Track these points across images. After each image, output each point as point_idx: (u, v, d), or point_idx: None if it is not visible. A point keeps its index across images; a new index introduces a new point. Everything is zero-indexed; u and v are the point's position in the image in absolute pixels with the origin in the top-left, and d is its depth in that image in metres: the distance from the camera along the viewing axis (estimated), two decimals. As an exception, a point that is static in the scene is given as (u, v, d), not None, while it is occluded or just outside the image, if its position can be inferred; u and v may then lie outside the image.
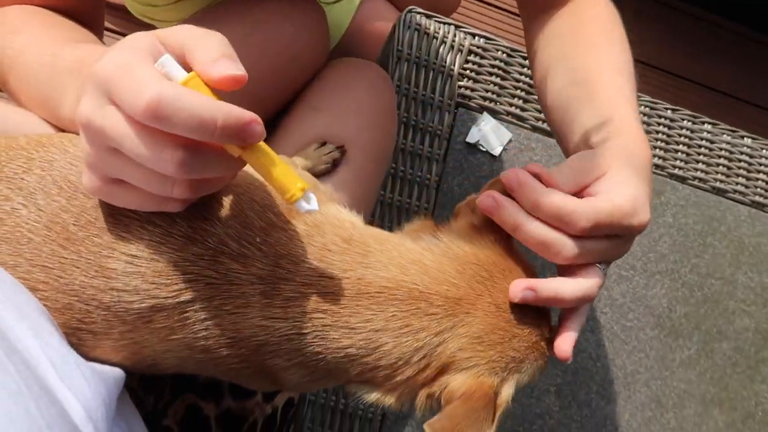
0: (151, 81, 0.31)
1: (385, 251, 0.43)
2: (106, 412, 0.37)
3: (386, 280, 0.41)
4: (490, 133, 1.18)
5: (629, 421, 1.14)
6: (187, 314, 0.39)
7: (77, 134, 0.39)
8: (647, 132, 1.10)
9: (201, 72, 0.33)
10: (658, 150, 1.22)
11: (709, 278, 1.19)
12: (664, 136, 1.22)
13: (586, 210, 0.45)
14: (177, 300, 0.39)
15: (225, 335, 0.40)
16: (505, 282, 0.44)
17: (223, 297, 0.39)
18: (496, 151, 1.18)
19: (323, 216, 0.44)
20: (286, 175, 0.35)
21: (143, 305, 0.39)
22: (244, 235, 0.41)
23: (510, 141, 1.20)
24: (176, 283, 0.39)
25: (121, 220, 0.40)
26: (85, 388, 0.36)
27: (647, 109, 1.20)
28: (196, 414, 0.53)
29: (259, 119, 0.33)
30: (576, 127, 0.58)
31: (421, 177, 1.14)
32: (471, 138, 1.16)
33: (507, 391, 0.43)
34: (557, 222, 0.45)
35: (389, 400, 0.42)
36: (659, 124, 1.22)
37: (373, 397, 0.42)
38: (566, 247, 0.45)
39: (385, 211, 1.12)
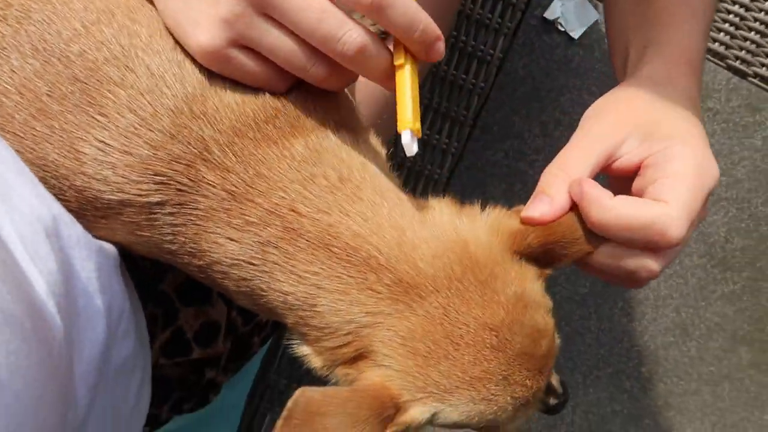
0: None
1: (376, 206, 0.37)
2: (75, 288, 0.35)
3: (353, 238, 0.36)
4: (573, 11, 1.02)
5: (647, 342, 1.11)
6: (156, 216, 0.36)
7: None
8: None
9: None
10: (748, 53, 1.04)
11: (782, 215, 1.08)
12: (783, 45, 1.03)
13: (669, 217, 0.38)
14: (145, 200, 0.36)
15: (188, 245, 0.37)
16: (479, 290, 0.36)
17: (191, 206, 0.36)
18: (576, 33, 1.04)
19: (333, 145, 0.38)
20: (414, 105, 0.37)
21: (112, 197, 0.36)
22: (233, 144, 0.36)
23: (595, 23, 1.04)
24: (146, 183, 0.35)
25: (96, 99, 0.35)
26: (50, 261, 0.34)
27: None
28: (195, 282, 0.53)
29: (443, 37, 0.36)
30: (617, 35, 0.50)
31: (484, 51, 1.01)
32: (550, 14, 1.01)
33: (415, 414, 0.36)
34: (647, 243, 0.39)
35: (316, 363, 0.38)
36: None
37: (303, 352, 0.38)
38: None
39: (437, 85, 1.02)
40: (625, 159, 0.41)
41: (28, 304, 0.31)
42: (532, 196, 0.41)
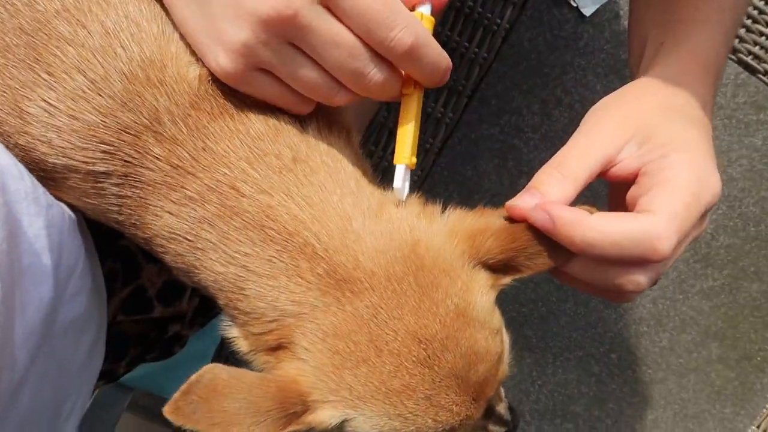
0: (411, 20, 0.33)
1: (326, 192, 0.35)
2: (20, 245, 0.34)
3: (292, 222, 0.34)
4: (587, -13, 0.98)
5: (621, 330, 1.12)
6: (101, 185, 0.35)
7: None
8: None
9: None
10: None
11: (772, 217, 1.06)
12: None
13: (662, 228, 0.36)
14: (91, 168, 0.34)
15: (133, 216, 0.35)
16: (417, 296, 0.34)
17: (136, 178, 0.34)
18: (588, 10, 1.00)
19: (297, 124, 0.36)
20: (414, 138, 0.37)
21: (57, 162, 0.34)
22: (187, 117, 0.34)
23: (609, 2, 1.00)
24: (92, 151, 0.33)
25: (43, 56, 0.33)
26: None
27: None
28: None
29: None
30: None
31: (490, 20, 0.97)
32: (562, -13, 0.97)
33: (323, 417, 0.33)
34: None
35: (242, 347, 0.36)
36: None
37: (232, 334, 0.37)
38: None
39: None
40: (623, 165, 0.39)
41: None
42: (521, 191, 0.39)
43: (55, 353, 0.42)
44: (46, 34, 0.33)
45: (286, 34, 0.32)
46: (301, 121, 0.37)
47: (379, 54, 0.34)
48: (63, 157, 0.34)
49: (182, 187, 0.34)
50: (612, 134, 0.40)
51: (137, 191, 0.35)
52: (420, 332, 0.34)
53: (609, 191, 0.46)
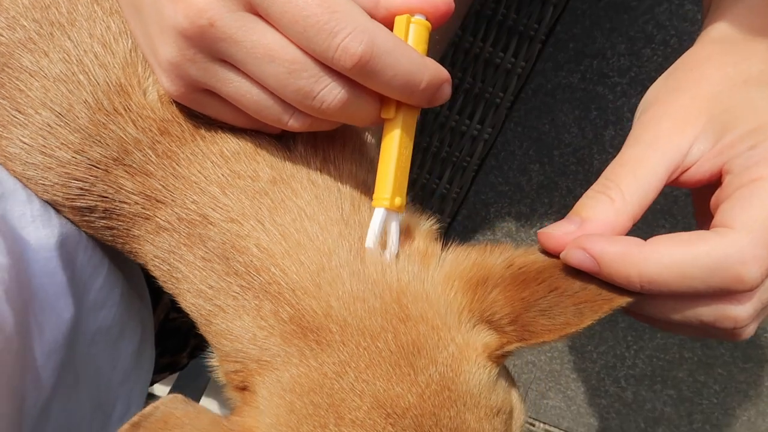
0: (362, 23, 0.26)
1: (305, 219, 0.30)
2: (29, 269, 0.34)
3: (260, 255, 0.30)
4: None
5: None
6: (89, 219, 0.34)
7: None
8: None
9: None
10: None
11: None
12: None
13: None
14: (73, 204, 0.33)
15: (126, 245, 0.34)
16: (393, 357, 0.28)
17: (117, 212, 0.32)
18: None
19: (273, 143, 0.32)
20: (399, 173, 0.29)
21: (44, 197, 0.34)
22: (155, 144, 0.31)
23: None
24: (68, 188, 0.32)
25: (11, 92, 0.32)
26: None
27: None
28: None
29: (450, 79, 0.29)
30: None
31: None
32: None
33: None
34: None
35: (218, 377, 0.33)
36: None
37: (211, 363, 0.34)
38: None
39: (481, 25, 0.89)
40: (698, 168, 0.31)
41: None
42: (562, 220, 0.32)
43: (85, 364, 0.43)
44: (10, 68, 0.32)
45: (210, 49, 0.27)
46: (290, 134, 0.32)
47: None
48: (46, 193, 0.34)
49: (155, 216, 0.32)
50: (673, 132, 0.31)
51: (121, 223, 0.33)
52: (389, 403, 0.28)
53: (693, 199, 0.37)
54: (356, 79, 0.27)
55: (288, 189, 0.31)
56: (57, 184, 0.33)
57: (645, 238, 0.29)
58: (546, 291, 0.29)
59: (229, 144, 0.32)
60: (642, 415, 1.15)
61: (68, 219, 0.36)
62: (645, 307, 0.30)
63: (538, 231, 0.31)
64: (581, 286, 0.29)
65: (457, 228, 1.06)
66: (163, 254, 0.32)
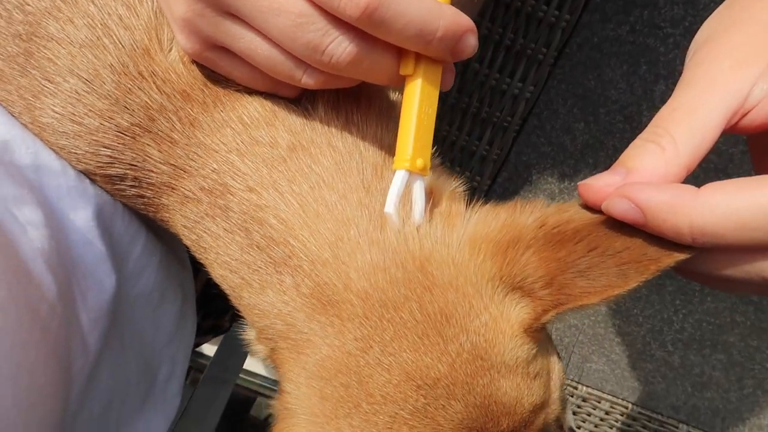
0: None
1: (324, 187, 0.29)
2: (68, 238, 0.35)
3: (279, 226, 0.29)
4: None
5: None
6: (120, 187, 0.33)
7: None
8: None
9: None
10: None
11: None
12: None
13: None
14: (105, 172, 0.33)
15: (157, 214, 0.34)
16: (420, 327, 0.27)
17: (145, 180, 0.32)
18: None
19: (292, 107, 0.31)
20: (421, 132, 0.28)
21: (78, 167, 0.34)
22: (179, 111, 0.31)
23: None
24: (99, 156, 0.32)
25: (39, 62, 0.31)
26: (34, 215, 0.34)
27: None
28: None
29: (476, 29, 0.27)
30: None
31: None
32: None
33: None
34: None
35: (259, 352, 0.32)
36: None
37: (248, 337, 0.33)
38: None
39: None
40: (760, 111, 0.27)
41: (6, 270, 0.31)
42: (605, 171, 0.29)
43: (130, 329, 0.45)
44: (38, 37, 0.31)
45: (217, 3, 0.27)
46: (310, 95, 0.31)
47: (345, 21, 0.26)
48: (79, 163, 0.34)
49: (180, 186, 0.32)
50: (732, 72, 0.28)
51: (150, 192, 0.33)
52: (419, 374, 0.27)
53: (750, 150, 0.33)
54: (366, 29, 0.26)
55: (307, 155, 0.30)
56: (88, 152, 0.33)
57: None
58: (585, 250, 0.26)
59: (249, 109, 0.31)
60: (690, 379, 1.12)
61: (103, 189, 0.36)
62: (698, 263, 0.27)
63: (579, 183, 0.29)
64: (624, 245, 0.26)
65: (497, 190, 1.04)
66: (190, 224, 0.32)
